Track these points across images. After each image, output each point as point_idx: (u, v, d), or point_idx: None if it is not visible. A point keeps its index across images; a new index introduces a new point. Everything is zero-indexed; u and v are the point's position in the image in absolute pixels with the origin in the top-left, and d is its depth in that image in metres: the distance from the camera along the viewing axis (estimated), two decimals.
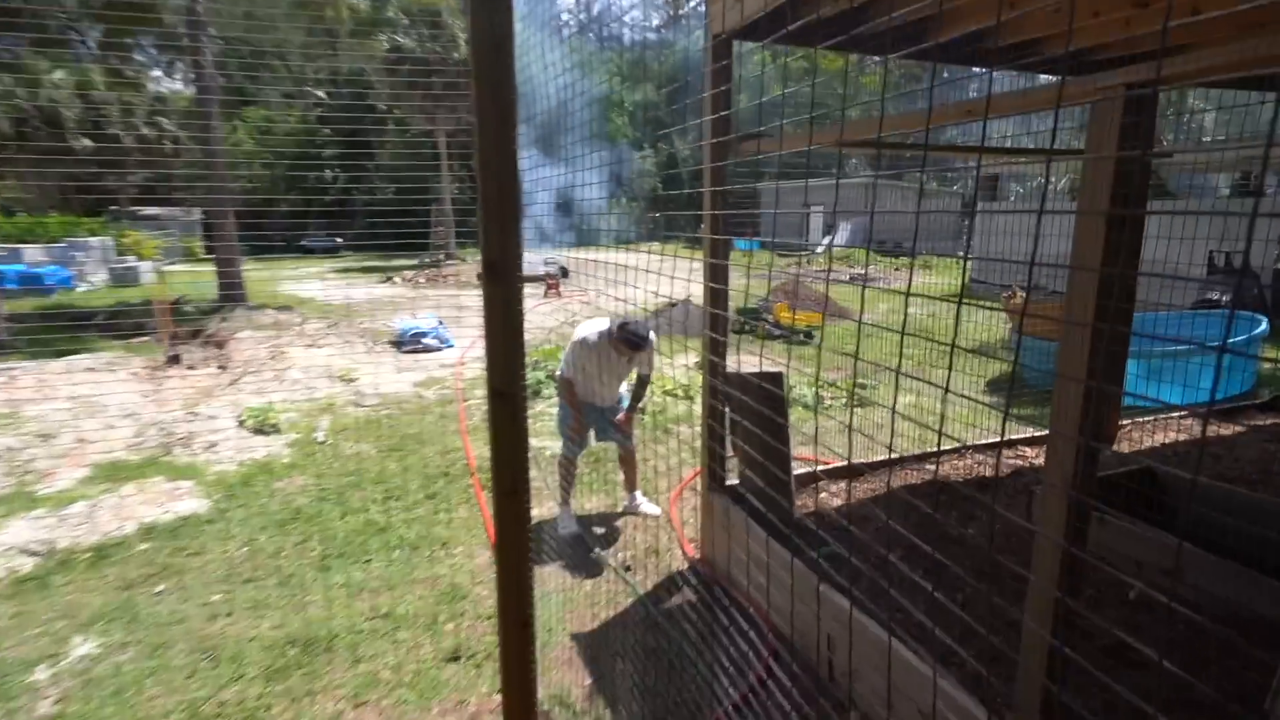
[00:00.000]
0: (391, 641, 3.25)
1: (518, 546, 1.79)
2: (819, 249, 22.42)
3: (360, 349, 9.86)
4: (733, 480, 3.82)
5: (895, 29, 3.17)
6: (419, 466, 5.42)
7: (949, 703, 2.22)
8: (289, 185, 28.78)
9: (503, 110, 1.58)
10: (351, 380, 8.15)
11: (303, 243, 28.22)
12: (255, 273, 14.55)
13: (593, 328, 4.12)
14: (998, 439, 4.89)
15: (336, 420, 6.70)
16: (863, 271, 19.50)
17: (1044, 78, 4.24)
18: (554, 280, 15.77)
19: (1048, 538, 1.76)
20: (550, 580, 3.78)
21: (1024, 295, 8.04)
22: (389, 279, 20.40)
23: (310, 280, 18.57)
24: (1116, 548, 2.96)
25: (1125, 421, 5.22)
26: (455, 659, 3.12)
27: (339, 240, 28.50)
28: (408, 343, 10.17)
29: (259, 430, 6.29)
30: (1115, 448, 4.63)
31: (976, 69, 4.75)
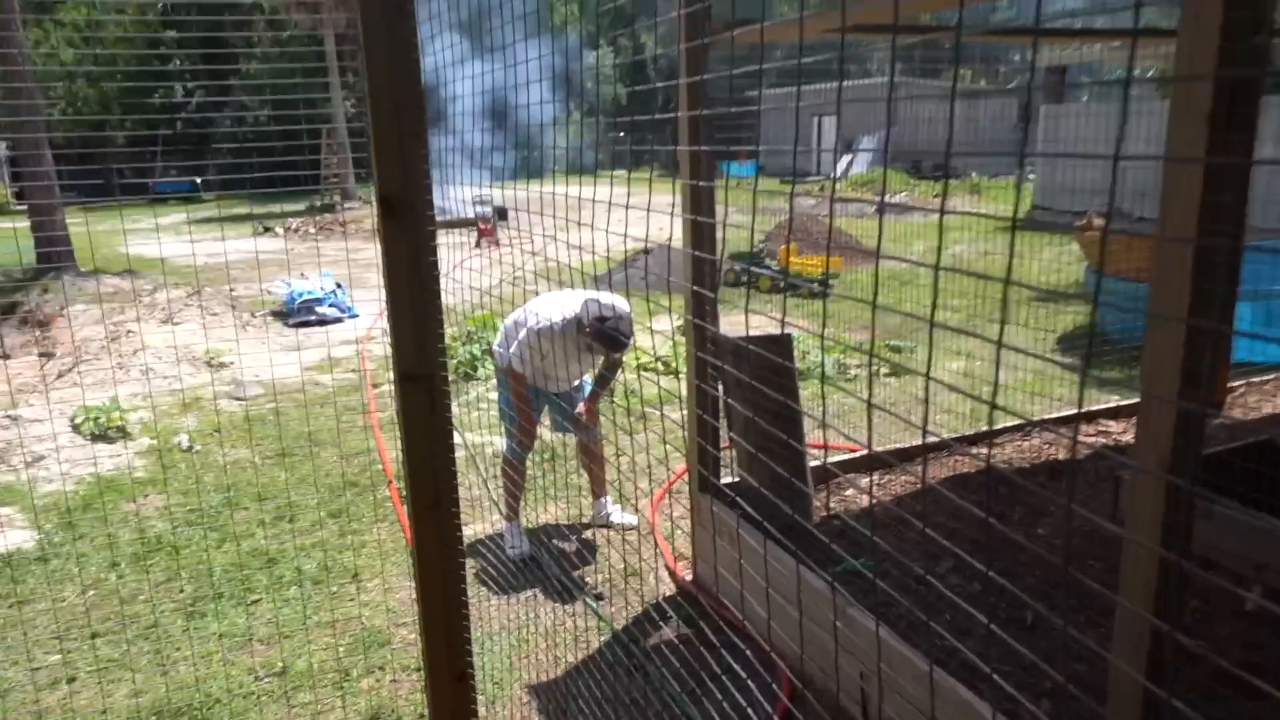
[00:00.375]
0: (289, 706, 3.22)
1: (445, 576, 1.77)
2: (835, 173, 22.45)
3: (232, 323, 9.69)
4: (730, 478, 3.82)
5: None
6: (318, 476, 5.36)
7: None
8: (125, 108, 27.99)
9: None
10: (223, 365, 8.02)
11: (149, 184, 27.58)
12: (85, 228, 14.20)
13: (554, 310, 3.96)
14: (1073, 410, 4.94)
15: (205, 419, 6.59)
16: (892, 199, 19.57)
17: None
18: (488, 225, 15.62)
19: (1140, 542, 1.77)
20: (497, 617, 3.78)
21: (1103, 222, 8.11)
22: (267, 230, 20.07)
23: (161, 235, 18.21)
24: (1229, 546, 3.01)
25: (1236, 382, 5.31)
26: None
27: (197, 181, 27.92)
28: (297, 312, 10.02)
29: (101, 436, 6.17)
30: (1225, 415, 4.72)
31: None
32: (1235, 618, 2.97)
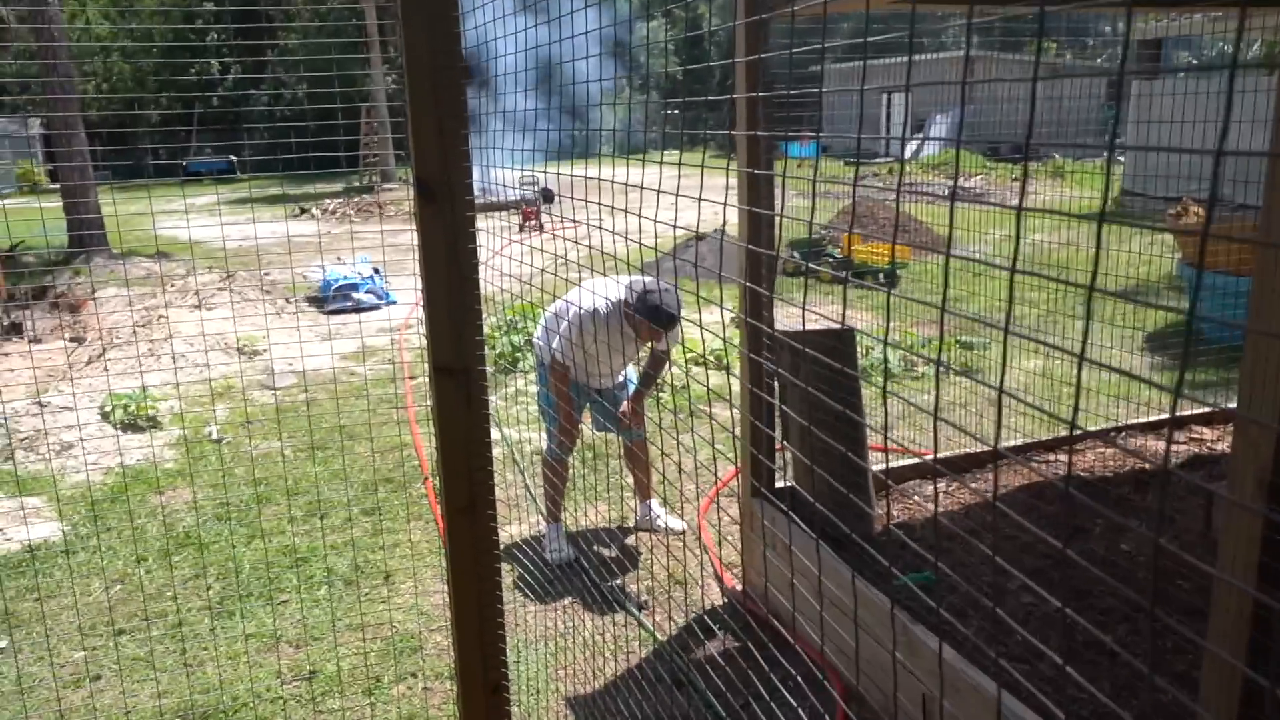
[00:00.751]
0: (316, 712, 3.27)
1: (480, 583, 1.78)
2: (907, 154, 22.14)
3: (266, 310, 9.87)
4: (784, 483, 3.79)
5: None
6: (352, 471, 5.44)
7: None
8: (161, 84, 28.71)
9: None
10: (256, 353, 8.18)
11: (184, 164, 28.26)
12: (119, 207, 14.59)
13: (598, 295, 4.00)
14: (1161, 416, 4.83)
15: (236, 409, 6.72)
16: (967, 184, 19.26)
17: None
18: (532, 208, 15.70)
19: (1228, 579, 1.72)
20: (535, 624, 3.80)
21: (1199, 211, 7.90)
22: (304, 211, 20.43)
23: (196, 216, 18.61)
24: None
25: None
26: None
27: (233, 160, 28.49)
28: (333, 299, 10.18)
29: (131, 425, 6.34)
30: None
31: None
32: None
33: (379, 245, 13.64)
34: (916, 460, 4.37)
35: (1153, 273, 9.32)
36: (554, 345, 4.09)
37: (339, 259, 11.29)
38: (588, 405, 4.41)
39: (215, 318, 8.88)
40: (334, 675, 3.46)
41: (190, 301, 9.86)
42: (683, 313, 4.01)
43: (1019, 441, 4.62)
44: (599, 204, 2.28)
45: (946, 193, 19.01)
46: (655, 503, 4.61)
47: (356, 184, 23.08)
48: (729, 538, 4.43)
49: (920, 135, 24.27)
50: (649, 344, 4.19)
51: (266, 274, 11.45)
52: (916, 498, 4.00)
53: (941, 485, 4.11)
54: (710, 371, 7.11)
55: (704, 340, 7.34)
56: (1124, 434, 4.67)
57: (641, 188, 1.87)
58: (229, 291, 10.35)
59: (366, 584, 4.15)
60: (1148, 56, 17.88)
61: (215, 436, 6.13)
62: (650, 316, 3.80)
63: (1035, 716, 2.39)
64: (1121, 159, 17.25)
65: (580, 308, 3.97)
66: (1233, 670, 1.76)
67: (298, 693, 3.39)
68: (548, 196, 16.21)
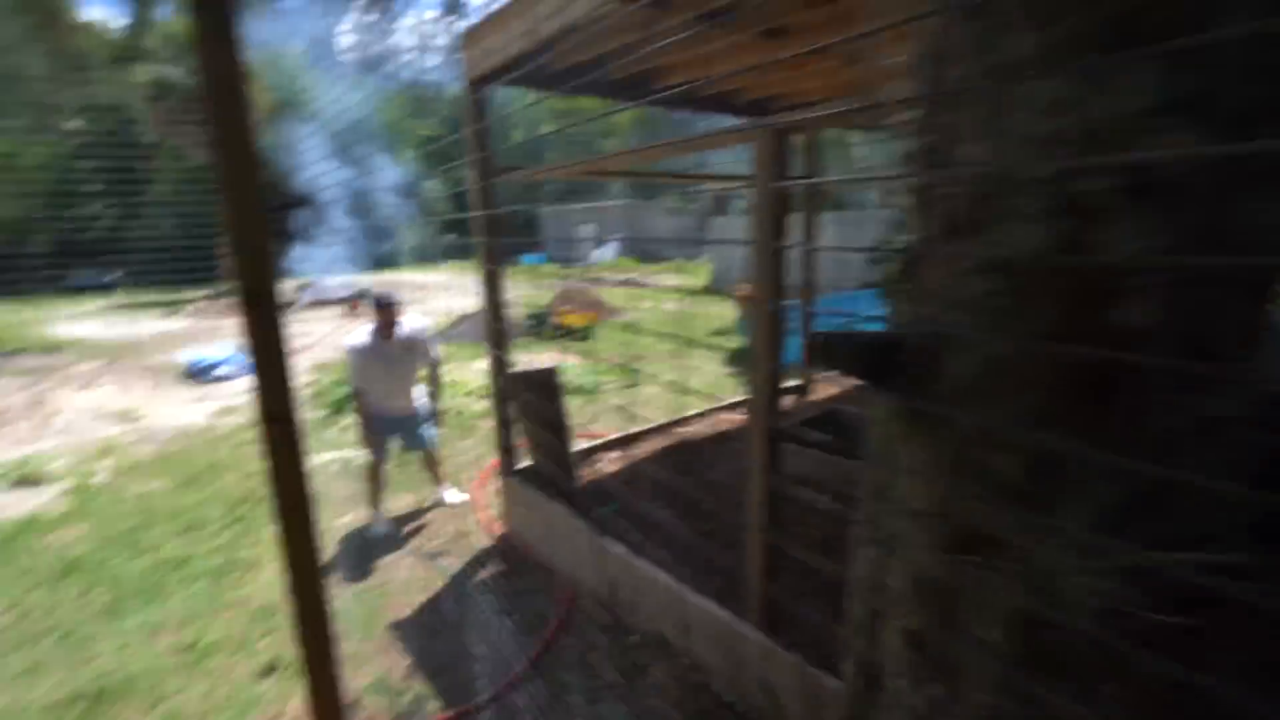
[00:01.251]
0: (199, 671, 2.81)
1: (304, 554, 1.64)
2: (590, 260, 23.03)
3: (144, 387, 8.32)
4: (526, 463, 3.82)
5: (622, 78, 3.33)
6: (220, 495, 4.72)
7: (701, 613, 2.43)
8: (42, 227, 23.33)
9: (239, 139, 1.41)
10: (137, 419, 6.86)
11: (67, 283, 23.09)
12: (8, 316, 11.64)
13: (360, 332, 3.85)
14: (738, 399, 5.36)
15: (121, 461, 5.61)
16: (629, 277, 20.33)
17: (738, 120, 4.66)
18: (355, 302, 14.60)
19: (754, 471, 1.97)
20: (367, 580, 3.51)
21: (749, 287, 8.90)
22: (176, 312, 17.41)
23: (83, 319, 15.26)
24: (810, 473, 3.42)
25: (815, 379, 5.98)
26: (270, 672, 2.78)
27: (114, 276, 23.66)
28: (200, 374, 8.78)
29: (23, 482, 5.07)
30: (808, 398, 5.30)
31: (693, 112, 5.10)
32: (819, 518, 3.35)
33: (238, 336, 11.96)
34: (601, 440, 4.53)
35: (726, 323, 10.37)
36: (353, 379, 3.86)
37: (203, 348, 9.76)
38: (397, 436, 4.10)
39: (99, 396, 7.35)
40: (212, 643, 2.99)
41: (77, 385, 8.08)
42: (424, 324, 3.97)
43: (663, 421, 4.91)
44: (418, 300, 2.20)
45: (617, 282, 19.94)
46: (445, 485, 4.43)
47: (218, 290, 20.05)
48: (493, 503, 4.35)
49: (600, 250, 25.27)
50: (417, 361, 3.95)
51: (144, 361, 9.64)
52: (603, 463, 4.16)
53: (614, 454, 4.30)
54: (481, 400, 6.94)
55: (485, 377, 7.13)
56: (715, 412, 5.13)
57: (412, 292, 1.83)
58: (112, 375, 8.61)
59: (235, 573, 3.62)
60: (719, 202, 19.91)
61: (103, 480, 5.05)
62: (376, 305, 3.75)
63: (670, 580, 2.57)
64: (711, 262, 19.01)
65: (349, 345, 3.81)
66: (756, 550, 2.01)
67: (181, 661, 2.88)
68: (364, 295, 15.09)
